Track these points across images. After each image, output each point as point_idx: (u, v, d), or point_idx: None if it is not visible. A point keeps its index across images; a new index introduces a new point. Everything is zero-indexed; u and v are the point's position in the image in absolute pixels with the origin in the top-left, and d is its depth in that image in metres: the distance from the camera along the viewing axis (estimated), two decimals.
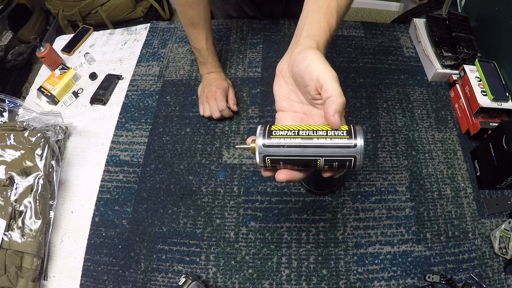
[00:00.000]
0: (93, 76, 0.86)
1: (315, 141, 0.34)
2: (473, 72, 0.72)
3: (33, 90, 0.85)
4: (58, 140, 0.72)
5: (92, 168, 0.73)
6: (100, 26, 1.84)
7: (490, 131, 0.68)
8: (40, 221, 0.61)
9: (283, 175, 0.36)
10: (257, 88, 0.81)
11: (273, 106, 0.77)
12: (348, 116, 0.76)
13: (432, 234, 0.63)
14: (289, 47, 0.41)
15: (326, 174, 0.37)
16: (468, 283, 0.58)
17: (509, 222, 0.61)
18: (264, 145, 0.35)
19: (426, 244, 0.62)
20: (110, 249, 0.64)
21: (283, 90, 0.41)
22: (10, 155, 0.64)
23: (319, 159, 0.34)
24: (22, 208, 0.61)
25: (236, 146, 0.46)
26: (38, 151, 0.65)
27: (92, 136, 0.77)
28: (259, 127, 0.36)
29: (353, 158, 0.33)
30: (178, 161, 0.72)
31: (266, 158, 0.35)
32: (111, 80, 0.84)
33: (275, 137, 0.35)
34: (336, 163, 0.34)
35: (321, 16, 0.41)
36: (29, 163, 0.64)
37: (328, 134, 0.34)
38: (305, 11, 0.43)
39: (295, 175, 0.37)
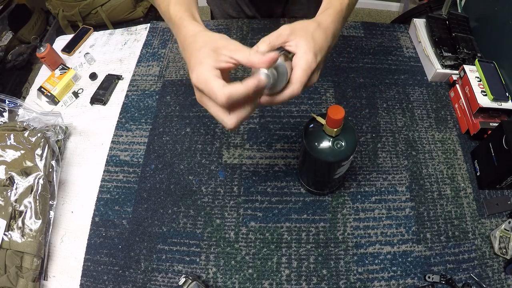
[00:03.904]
0: (93, 76, 0.86)
1: None
2: (473, 72, 0.72)
3: (33, 90, 0.85)
4: (58, 140, 0.72)
5: (92, 168, 0.73)
6: (100, 26, 1.84)
7: (490, 131, 0.68)
8: (40, 221, 0.61)
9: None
10: None
11: (273, 106, 0.78)
12: (348, 116, 0.76)
13: (432, 234, 0.63)
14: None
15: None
16: (468, 283, 0.58)
17: (509, 222, 0.61)
18: None
19: (426, 244, 0.62)
20: (110, 249, 0.64)
21: None
22: (10, 155, 0.64)
23: None
24: (22, 208, 0.61)
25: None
26: (38, 151, 0.65)
27: (92, 136, 0.77)
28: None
29: None
30: (178, 161, 0.72)
31: None
32: (111, 80, 0.84)
33: None
34: None
35: None
36: (29, 163, 0.64)
37: None
38: None
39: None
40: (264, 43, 0.41)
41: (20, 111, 0.72)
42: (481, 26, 0.82)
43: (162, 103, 0.80)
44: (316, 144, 0.53)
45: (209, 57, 0.40)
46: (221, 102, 0.38)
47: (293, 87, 0.41)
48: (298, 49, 0.42)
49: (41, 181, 0.63)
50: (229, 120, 0.40)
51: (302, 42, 0.42)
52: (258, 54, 0.38)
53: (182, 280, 0.55)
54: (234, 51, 0.40)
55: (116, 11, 1.84)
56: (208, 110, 0.42)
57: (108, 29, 1.04)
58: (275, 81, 0.40)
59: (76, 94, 0.84)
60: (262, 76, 0.39)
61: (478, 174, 0.68)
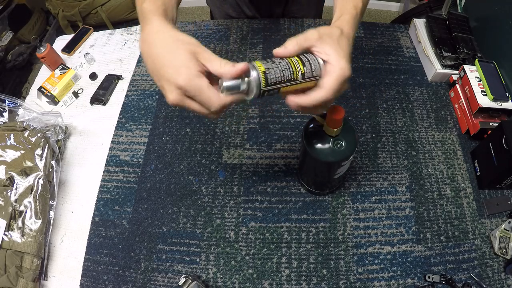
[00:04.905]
0: (93, 76, 0.86)
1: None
2: (473, 72, 0.72)
3: (33, 90, 0.85)
4: (58, 140, 0.72)
5: (92, 168, 0.73)
6: (100, 26, 1.84)
7: (490, 131, 0.68)
8: (40, 221, 0.61)
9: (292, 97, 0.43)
10: None
11: (273, 106, 0.78)
12: (348, 116, 0.76)
13: (432, 234, 0.63)
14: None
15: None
16: (468, 283, 0.58)
17: (509, 222, 0.61)
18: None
19: (426, 244, 0.62)
20: (110, 249, 0.64)
21: None
22: (10, 155, 0.64)
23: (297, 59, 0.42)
24: (22, 208, 0.61)
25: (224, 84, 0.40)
26: (38, 151, 0.65)
27: (92, 136, 0.77)
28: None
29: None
30: (178, 161, 0.72)
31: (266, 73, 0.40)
32: (111, 80, 0.84)
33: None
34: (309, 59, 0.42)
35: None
36: (29, 163, 0.64)
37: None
38: None
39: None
40: (292, 43, 0.42)
41: (20, 111, 0.72)
42: (481, 26, 0.82)
43: (162, 103, 0.80)
44: (316, 144, 0.53)
45: (192, 61, 0.40)
46: (215, 109, 0.40)
47: (324, 92, 0.41)
48: (330, 57, 0.42)
49: (41, 181, 0.63)
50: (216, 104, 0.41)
51: (332, 50, 0.42)
52: (228, 66, 0.39)
53: (182, 280, 0.55)
54: (207, 60, 0.41)
55: (116, 11, 1.84)
56: (189, 108, 0.41)
57: (108, 29, 1.04)
58: (244, 90, 0.41)
59: (76, 94, 0.84)
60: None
61: (478, 174, 0.68)
